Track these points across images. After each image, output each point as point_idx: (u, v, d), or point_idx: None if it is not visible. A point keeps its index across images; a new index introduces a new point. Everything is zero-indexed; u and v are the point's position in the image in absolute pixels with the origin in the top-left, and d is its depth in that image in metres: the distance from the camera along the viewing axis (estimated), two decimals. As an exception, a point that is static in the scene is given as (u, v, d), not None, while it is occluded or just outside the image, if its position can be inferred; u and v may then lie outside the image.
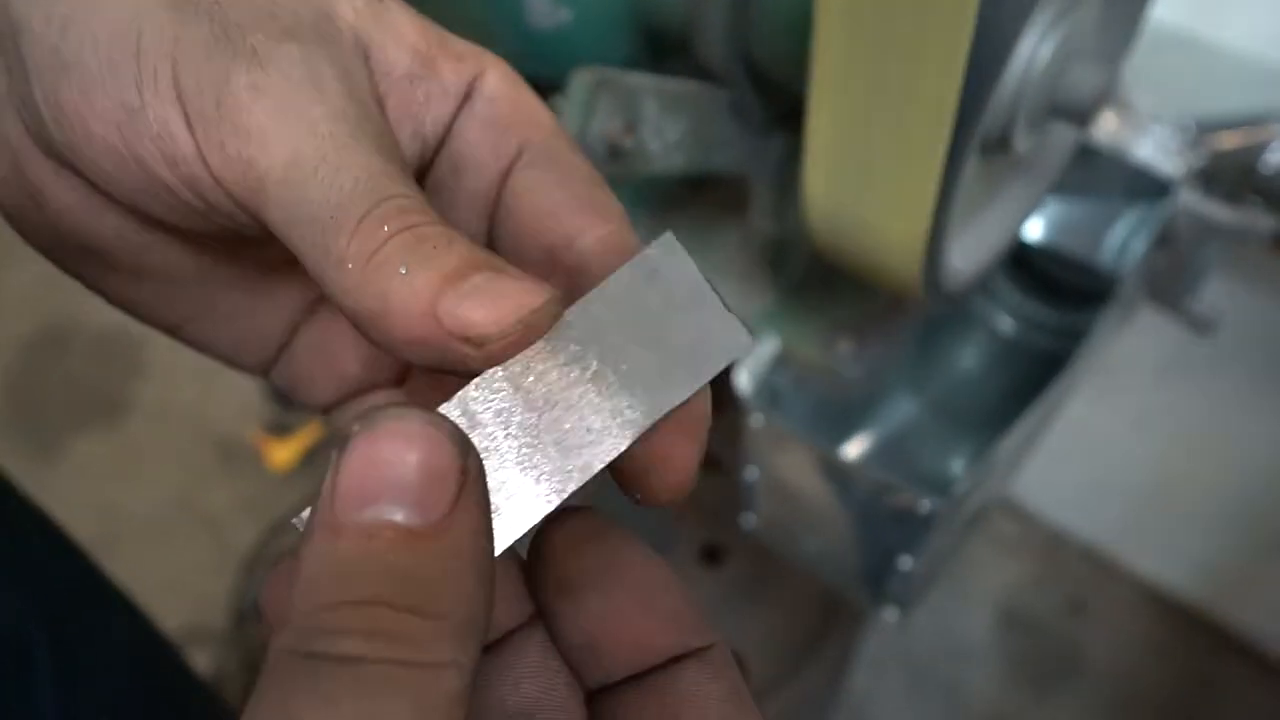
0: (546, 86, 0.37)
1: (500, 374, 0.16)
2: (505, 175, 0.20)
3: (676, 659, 0.18)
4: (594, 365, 0.17)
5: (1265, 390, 0.89)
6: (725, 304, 0.18)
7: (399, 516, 0.14)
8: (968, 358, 0.69)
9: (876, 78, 0.29)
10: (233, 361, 0.23)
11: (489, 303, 0.15)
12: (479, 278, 0.16)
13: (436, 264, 0.16)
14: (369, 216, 0.16)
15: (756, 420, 0.45)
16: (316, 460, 1.13)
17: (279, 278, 0.22)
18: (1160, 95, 0.68)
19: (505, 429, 0.17)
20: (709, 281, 0.18)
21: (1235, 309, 0.85)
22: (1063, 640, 1.10)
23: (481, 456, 0.15)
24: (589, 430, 0.17)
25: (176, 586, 0.98)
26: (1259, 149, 0.66)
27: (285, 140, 0.16)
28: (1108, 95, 0.35)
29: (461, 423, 0.17)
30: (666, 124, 0.38)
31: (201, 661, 0.97)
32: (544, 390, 0.17)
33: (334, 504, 0.14)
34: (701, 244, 0.50)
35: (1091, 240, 0.60)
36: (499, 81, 0.20)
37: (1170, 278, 0.65)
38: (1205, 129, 0.66)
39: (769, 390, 0.45)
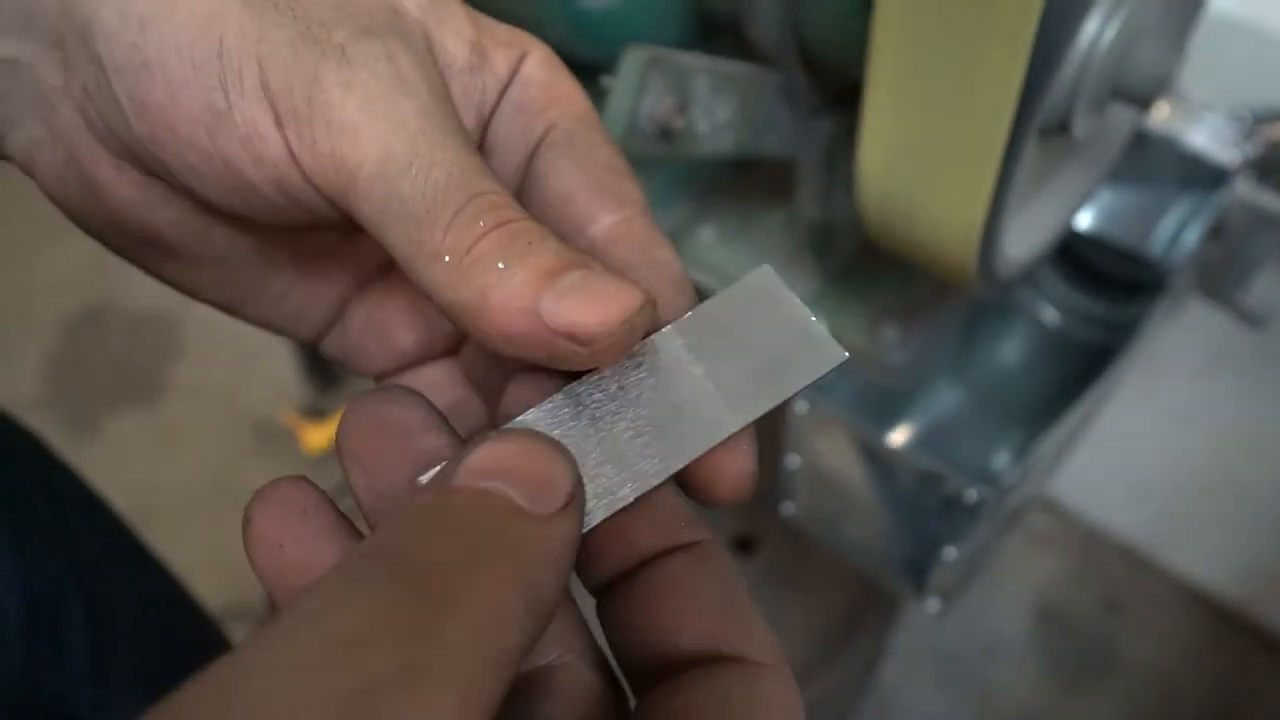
0: (596, 68, 0.37)
1: (608, 372, 0.18)
2: (530, 159, 0.20)
3: (666, 553, 0.18)
4: (696, 371, 0.18)
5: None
6: (818, 321, 0.19)
7: (514, 494, 0.14)
8: (1012, 348, 0.68)
9: (938, 56, 0.29)
10: (286, 333, 0.23)
11: (592, 302, 0.16)
12: (574, 275, 0.16)
13: (533, 261, 0.16)
14: (463, 211, 0.16)
15: (800, 406, 0.44)
16: (350, 443, 1.14)
17: (333, 257, 0.22)
18: (1215, 84, 0.67)
19: (611, 419, 0.17)
20: (802, 303, 0.19)
21: (1284, 303, 0.83)
22: (1098, 638, 1.09)
23: (589, 439, 0.17)
24: (686, 426, 0.18)
25: (213, 565, 1.00)
26: (1316, 139, 0.64)
27: (377, 136, 0.16)
28: (1172, 77, 0.34)
29: (568, 410, 0.17)
30: (717, 105, 0.38)
31: (239, 639, 0.99)
32: (648, 388, 0.18)
33: (455, 473, 0.15)
34: (745, 229, 0.49)
35: (1142, 229, 0.59)
36: (536, 65, 0.20)
37: (1221, 269, 0.63)
38: (1261, 119, 0.64)
39: (813, 377, 0.44)
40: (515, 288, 0.16)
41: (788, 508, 0.51)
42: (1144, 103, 0.34)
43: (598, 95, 0.25)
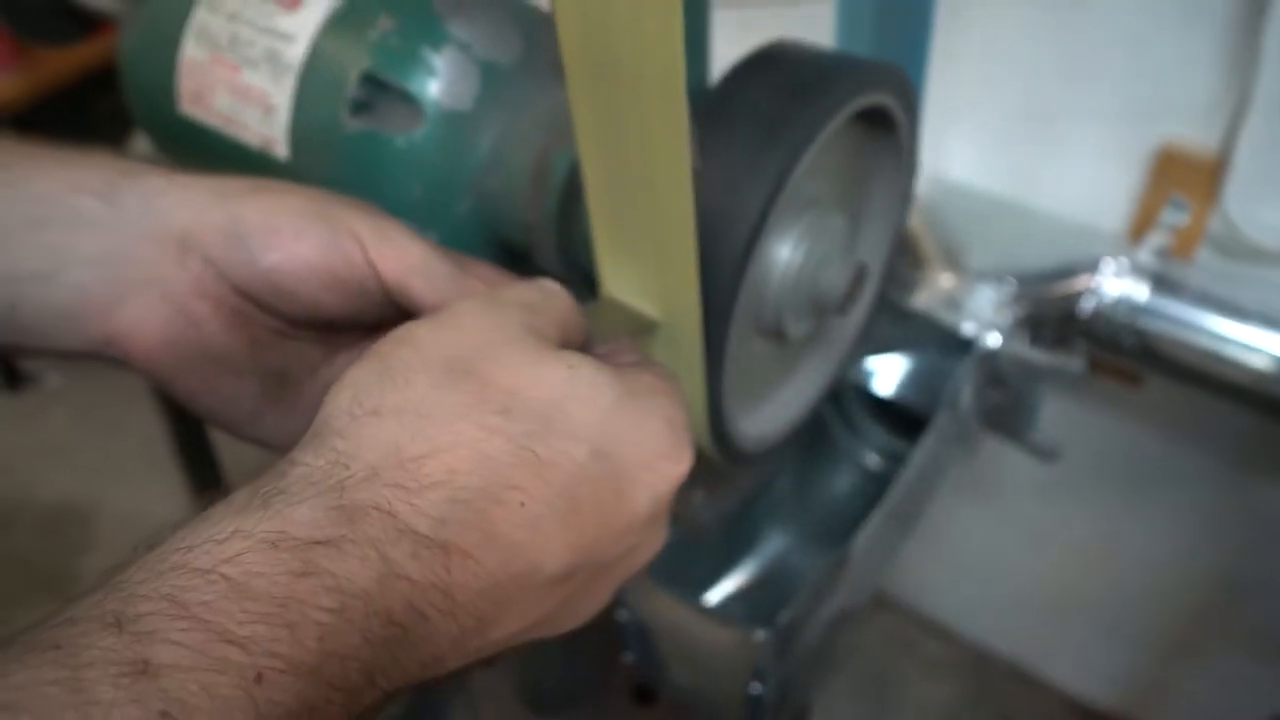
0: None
1: None
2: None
3: None
4: None
5: (1134, 502, 0.97)
6: None
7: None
8: (840, 491, 0.76)
9: (640, 298, 0.37)
10: (279, 445, 0.35)
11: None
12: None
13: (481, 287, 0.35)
14: (458, 274, 0.34)
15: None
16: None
17: (313, 382, 0.36)
18: (991, 254, 0.78)
19: None
20: None
21: (1097, 432, 0.93)
22: (996, 759, 1.13)
23: None
24: None
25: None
26: (1075, 297, 0.75)
27: (418, 247, 0.34)
28: (860, 289, 0.43)
29: None
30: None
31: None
32: None
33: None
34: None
35: (928, 391, 0.68)
36: None
37: (1008, 413, 0.73)
38: (1028, 282, 0.75)
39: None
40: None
41: (628, 657, 0.57)
42: (840, 311, 0.43)
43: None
